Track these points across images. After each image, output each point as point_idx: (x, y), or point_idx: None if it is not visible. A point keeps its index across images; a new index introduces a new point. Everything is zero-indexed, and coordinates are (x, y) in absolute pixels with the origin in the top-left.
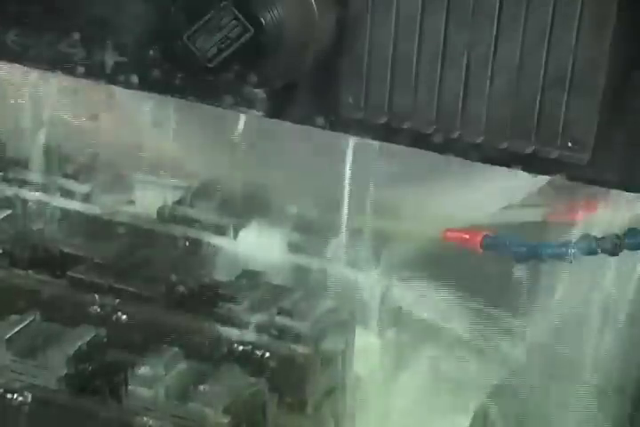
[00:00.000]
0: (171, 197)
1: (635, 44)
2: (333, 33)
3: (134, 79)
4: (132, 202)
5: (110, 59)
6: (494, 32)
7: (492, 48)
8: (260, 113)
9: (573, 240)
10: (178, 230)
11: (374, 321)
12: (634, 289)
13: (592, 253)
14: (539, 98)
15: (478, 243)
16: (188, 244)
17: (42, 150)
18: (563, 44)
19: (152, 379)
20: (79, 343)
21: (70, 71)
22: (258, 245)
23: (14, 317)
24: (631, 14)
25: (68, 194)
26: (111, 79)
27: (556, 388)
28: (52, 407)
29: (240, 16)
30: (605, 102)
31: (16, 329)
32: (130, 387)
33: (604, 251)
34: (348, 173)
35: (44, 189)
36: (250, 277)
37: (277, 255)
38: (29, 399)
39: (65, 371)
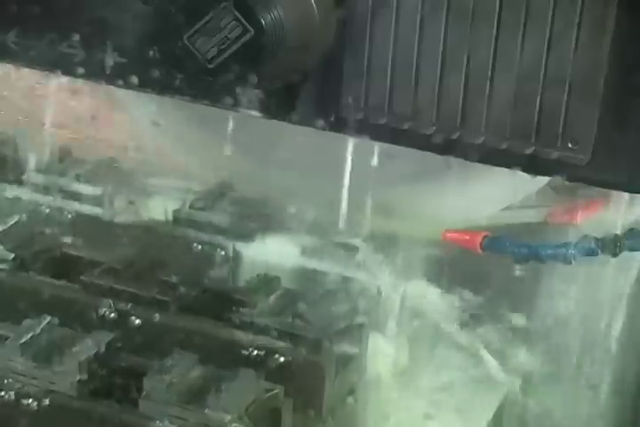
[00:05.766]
0: (173, 201)
1: (635, 45)
2: (333, 34)
3: (134, 80)
4: (132, 202)
5: (110, 59)
6: (494, 33)
7: (493, 49)
8: (260, 114)
9: (573, 241)
10: (182, 233)
11: (388, 325)
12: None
13: (592, 253)
14: (539, 99)
15: (478, 243)
16: (200, 248)
17: (52, 153)
18: (563, 44)
19: (167, 384)
20: (93, 348)
21: (70, 72)
22: (270, 250)
23: (28, 321)
24: (631, 15)
25: (78, 197)
26: (111, 80)
27: (559, 389)
28: (66, 412)
29: (240, 17)
30: (605, 103)
31: (30, 334)
32: (145, 392)
33: (604, 252)
34: (350, 174)
35: (54, 191)
36: (263, 282)
37: (290, 259)
38: (44, 404)
39: (79, 376)
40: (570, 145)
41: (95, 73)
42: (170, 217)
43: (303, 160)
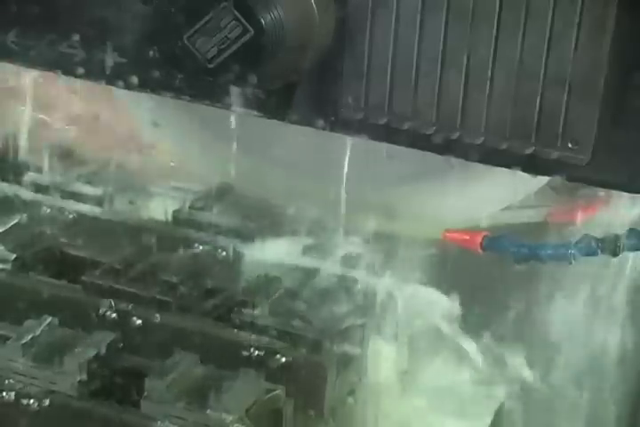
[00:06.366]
0: (173, 201)
1: (635, 45)
2: (333, 34)
3: (134, 80)
4: (132, 202)
5: (110, 59)
6: (494, 32)
7: (493, 48)
8: (260, 114)
9: (573, 241)
10: (183, 233)
11: (388, 325)
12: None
13: (592, 253)
14: (539, 99)
15: (478, 243)
16: (200, 248)
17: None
18: (563, 44)
19: (168, 384)
20: (94, 349)
21: (70, 72)
22: (271, 250)
23: (29, 322)
24: (631, 15)
25: (78, 197)
26: (111, 80)
27: (559, 389)
28: (67, 413)
29: (240, 17)
30: (605, 103)
31: (31, 335)
32: (146, 392)
33: (604, 252)
34: (350, 174)
35: (55, 192)
36: (264, 282)
37: (291, 260)
38: (45, 405)
39: (80, 376)
40: (570, 145)
41: (95, 73)
42: (170, 217)
43: (303, 160)
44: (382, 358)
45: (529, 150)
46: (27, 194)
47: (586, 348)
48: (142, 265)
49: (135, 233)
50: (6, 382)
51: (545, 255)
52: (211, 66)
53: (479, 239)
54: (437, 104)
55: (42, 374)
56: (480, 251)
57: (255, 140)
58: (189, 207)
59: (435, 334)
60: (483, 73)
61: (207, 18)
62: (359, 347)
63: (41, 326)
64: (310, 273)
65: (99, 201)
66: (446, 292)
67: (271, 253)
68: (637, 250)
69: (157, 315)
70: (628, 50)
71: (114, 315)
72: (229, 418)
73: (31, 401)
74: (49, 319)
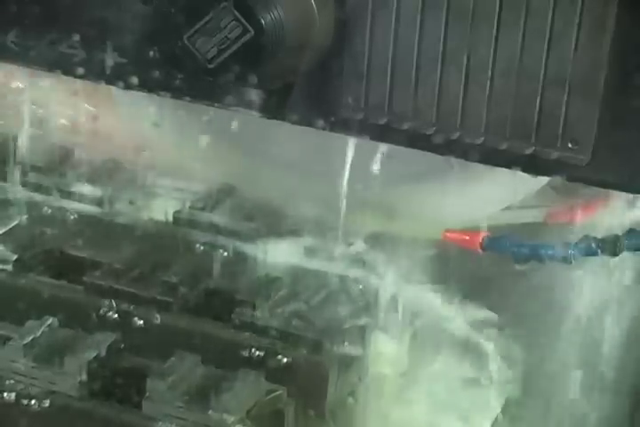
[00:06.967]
0: (174, 202)
1: (635, 45)
2: (333, 34)
3: (134, 80)
4: (132, 202)
5: (110, 59)
6: (494, 32)
7: (492, 49)
8: (260, 114)
9: (573, 241)
10: (184, 233)
11: (389, 325)
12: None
13: (592, 254)
14: (539, 99)
15: (478, 243)
16: (201, 248)
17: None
18: (563, 44)
19: (170, 385)
20: (95, 349)
21: (70, 72)
22: (272, 250)
23: (30, 322)
24: (631, 15)
25: (79, 198)
26: (111, 80)
27: (558, 388)
28: (68, 413)
29: (240, 17)
30: (605, 103)
31: (33, 335)
32: (147, 393)
33: (604, 252)
34: (351, 174)
35: (55, 192)
36: (265, 283)
37: (291, 260)
38: (46, 405)
39: (81, 377)
40: (570, 145)
41: (95, 73)
42: (170, 218)
43: (304, 160)
44: (383, 358)
45: (529, 150)
46: (27, 194)
47: (587, 346)
48: (143, 266)
49: (136, 233)
50: (7, 382)
51: (545, 255)
52: (211, 66)
53: (479, 239)
54: (437, 104)
55: (43, 374)
56: (480, 251)
57: (255, 140)
58: (190, 208)
59: (435, 335)
60: (483, 73)
61: (207, 18)
62: (360, 347)
63: (42, 327)
64: (311, 273)
65: (99, 201)
66: (446, 291)
67: (272, 253)
68: (637, 250)
69: (158, 315)
70: (628, 50)
71: (115, 315)
72: (230, 419)
73: (32, 402)
74: (50, 320)
